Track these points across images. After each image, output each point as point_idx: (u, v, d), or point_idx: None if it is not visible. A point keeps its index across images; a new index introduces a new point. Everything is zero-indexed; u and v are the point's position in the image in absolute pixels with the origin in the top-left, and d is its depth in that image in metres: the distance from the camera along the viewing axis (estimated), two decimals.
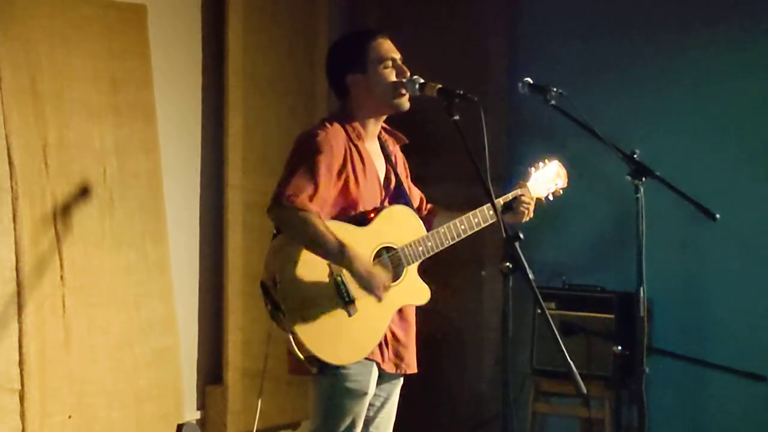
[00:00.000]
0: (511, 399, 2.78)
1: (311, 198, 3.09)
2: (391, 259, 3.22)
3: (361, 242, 3.16)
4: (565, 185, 3.60)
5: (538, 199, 3.50)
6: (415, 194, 3.51)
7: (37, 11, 4.06)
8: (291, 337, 3.05)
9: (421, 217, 3.39)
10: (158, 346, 4.42)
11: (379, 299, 3.14)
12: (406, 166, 3.51)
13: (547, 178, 3.54)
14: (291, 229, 3.11)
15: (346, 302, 3.10)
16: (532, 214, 3.44)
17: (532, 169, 3.54)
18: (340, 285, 3.10)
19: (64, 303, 4.06)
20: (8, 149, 3.91)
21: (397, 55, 3.28)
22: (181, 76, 4.72)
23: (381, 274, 3.15)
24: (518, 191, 3.45)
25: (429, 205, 3.55)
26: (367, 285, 3.11)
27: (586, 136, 3.41)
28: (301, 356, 3.08)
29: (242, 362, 4.76)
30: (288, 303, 3.05)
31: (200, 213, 4.81)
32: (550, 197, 3.57)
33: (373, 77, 3.24)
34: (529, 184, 3.49)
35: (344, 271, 3.11)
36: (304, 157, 3.15)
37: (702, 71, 4.95)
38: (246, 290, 4.70)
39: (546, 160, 3.58)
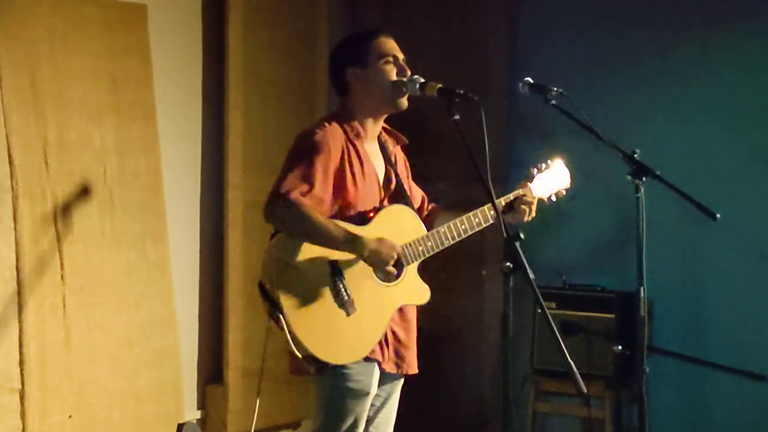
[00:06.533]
0: (511, 399, 2.78)
1: (305, 194, 3.09)
2: None
3: None
4: (568, 187, 3.59)
5: (540, 200, 3.49)
6: (417, 194, 3.51)
7: (37, 10, 4.06)
8: (289, 336, 3.05)
9: (422, 217, 3.40)
10: (158, 345, 4.42)
11: (393, 272, 3.13)
12: (407, 166, 3.51)
13: (550, 179, 3.53)
14: (289, 224, 3.10)
15: (345, 301, 3.10)
16: (533, 214, 3.43)
17: (535, 170, 3.52)
18: (339, 284, 3.10)
19: (65, 302, 4.06)
20: (8, 148, 3.91)
21: (400, 54, 3.29)
22: (181, 75, 4.72)
23: (389, 244, 3.13)
24: (519, 191, 3.44)
25: (431, 205, 3.55)
26: (378, 259, 3.10)
27: (587, 135, 3.41)
28: (299, 355, 3.08)
29: (242, 362, 4.76)
30: (286, 302, 3.05)
31: (200, 213, 4.81)
32: (553, 198, 3.55)
33: (373, 73, 3.25)
34: (531, 184, 3.48)
35: (343, 270, 3.11)
36: (300, 156, 3.15)
37: (703, 71, 4.95)
38: (246, 290, 4.70)
39: (549, 161, 3.56)
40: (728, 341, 4.83)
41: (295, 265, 3.09)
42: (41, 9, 4.07)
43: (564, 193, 3.58)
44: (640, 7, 5.10)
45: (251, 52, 4.84)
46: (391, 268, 3.15)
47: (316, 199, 3.12)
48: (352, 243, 3.09)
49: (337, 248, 3.10)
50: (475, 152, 2.80)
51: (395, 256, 3.14)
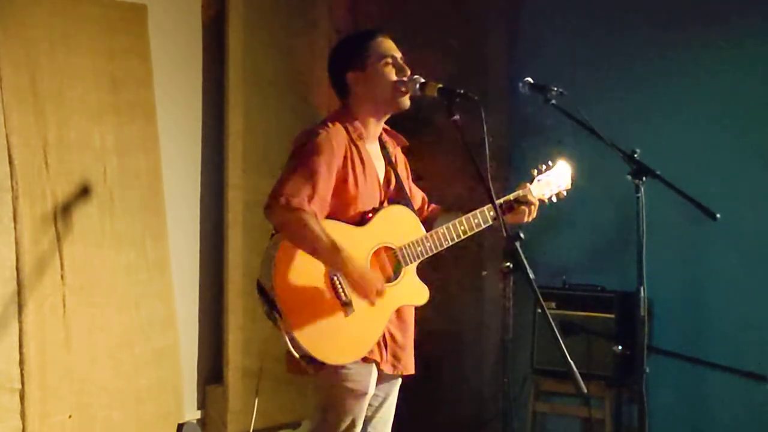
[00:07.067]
0: (511, 399, 2.78)
1: (310, 198, 3.08)
2: (389, 259, 3.22)
3: (359, 242, 3.15)
4: (569, 188, 3.58)
5: (541, 201, 3.48)
6: (417, 195, 3.51)
7: (37, 10, 4.06)
8: (287, 336, 3.04)
9: (423, 218, 3.39)
10: (158, 345, 4.42)
11: (372, 303, 3.14)
12: (408, 167, 3.50)
13: (551, 180, 3.52)
14: (287, 229, 3.10)
15: (343, 302, 3.10)
16: (534, 215, 3.43)
17: (536, 170, 3.52)
18: (337, 284, 3.10)
19: (65, 302, 4.06)
20: (8, 148, 3.91)
21: (398, 54, 3.28)
22: (181, 75, 4.72)
23: (374, 278, 3.13)
24: (520, 192, 3.44)
25: (432, 206, 3.55)
26: (360, 288, 3.11)
27: (587, 135, 3.41)
28: (297, 355, 3.08)
29: (242, 362, 4.76)
30: (284, 302, 3.05)
31: (200, 213, 4.81)
32: (554, 199, 3.54)
33: (373, 75, 3.24)
34: (532, 185, 3.47)
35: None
36: (303, 157, 3.15)
37: (703, 70, 4.95)
38: (246, 290, 4.70)
39: (551, 162, 3.55)
40: (728, 341, 4.83)
41: (294, 265, 3.08)
42: (41, 9, 4.07)
43: (565, 194, 3.57)
44: (640, 7, 5.10)
45: (251, 52, 4.84)
46: (371, 299, 3.14)
47: (320, 202, 3.11)
48: (338, 264, 3.09)
49: (325, 264, 3.10)
50: (475, 152, 2.80)
51: (375, 294, 3.13)
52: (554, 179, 3.53)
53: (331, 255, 3.07)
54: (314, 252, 3.08)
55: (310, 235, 3.06)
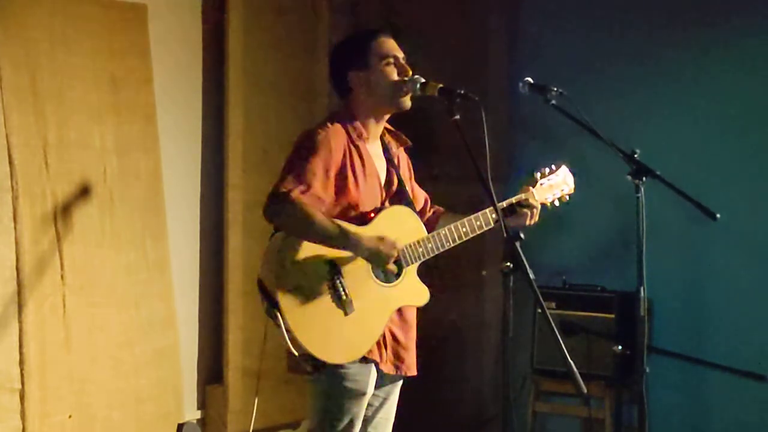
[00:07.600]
0: (511, 399, 2.78)
1: (304, 193, 3.08)
2: None
3: None
4: (572, 191, 3.57)
5: (543, 204, 3.48)
6: (420, 196, 3.50)
7: (38, 10, 4.06)
8: (286, 334, 3.05)
9: (425, 219, 3.39)
10: (158, 345, 4.42)
11: (393, 270, 3.13)
12: (410, 167, 3.50)
13: (553, 184, 3.51)
14: (288, 223, 3.10)
15: (343, 300, 3.10)
16: (536, 219, 3.42)
17: (539, 174, 3.51)
18: (338, 283, 3.10)
19: (65, 302, 4.06)
20: (8, 148, 3.91)
21: (400, 54, 3.28)
22: (181, 75, 4.72)
23: (387, 244, 3.11)
24: (522, 195, 3.43)
25: (434, 207, 3.55)
26: (378, 257, 3.10)
27: (587, 135, 3.41)
28: (296, 353, 3.08)
29: (242, 362, 4.76)
30: (284, 300, 3.04)
31: (200, 212, 4.81)
32: (556, 203, 3.54)
33: (375, 74, 3.24)
34: (534, 189, 3.47)
35: (342, 269, 3.11)
36: (301, 155, 3.15)
37: (703, 70, 4.95)
38: (246, 290, 4.70)
39: (553, 166, 3.55)
40: (728, 341, 4.83)
41: (294, 264, 3.08)
42: (41, 9, 4.07)
43: (567, 198, 3.56)
44: (640, 7, 5.10)
45: (251, 52, 4.84)
46: (391, 266, 3.15)
47: (316, 198, 3.11)
48: (352, 242, 3.09)
49: (337, 247, 3.10)
50: (475, 152, 2.80)
51: (395, 255, 3.14)
52: (557, 183, 3.53)
53: (338, 237, 3.06)
54: (320, 239, 3.07)
55: (312, 223, 3.05)
